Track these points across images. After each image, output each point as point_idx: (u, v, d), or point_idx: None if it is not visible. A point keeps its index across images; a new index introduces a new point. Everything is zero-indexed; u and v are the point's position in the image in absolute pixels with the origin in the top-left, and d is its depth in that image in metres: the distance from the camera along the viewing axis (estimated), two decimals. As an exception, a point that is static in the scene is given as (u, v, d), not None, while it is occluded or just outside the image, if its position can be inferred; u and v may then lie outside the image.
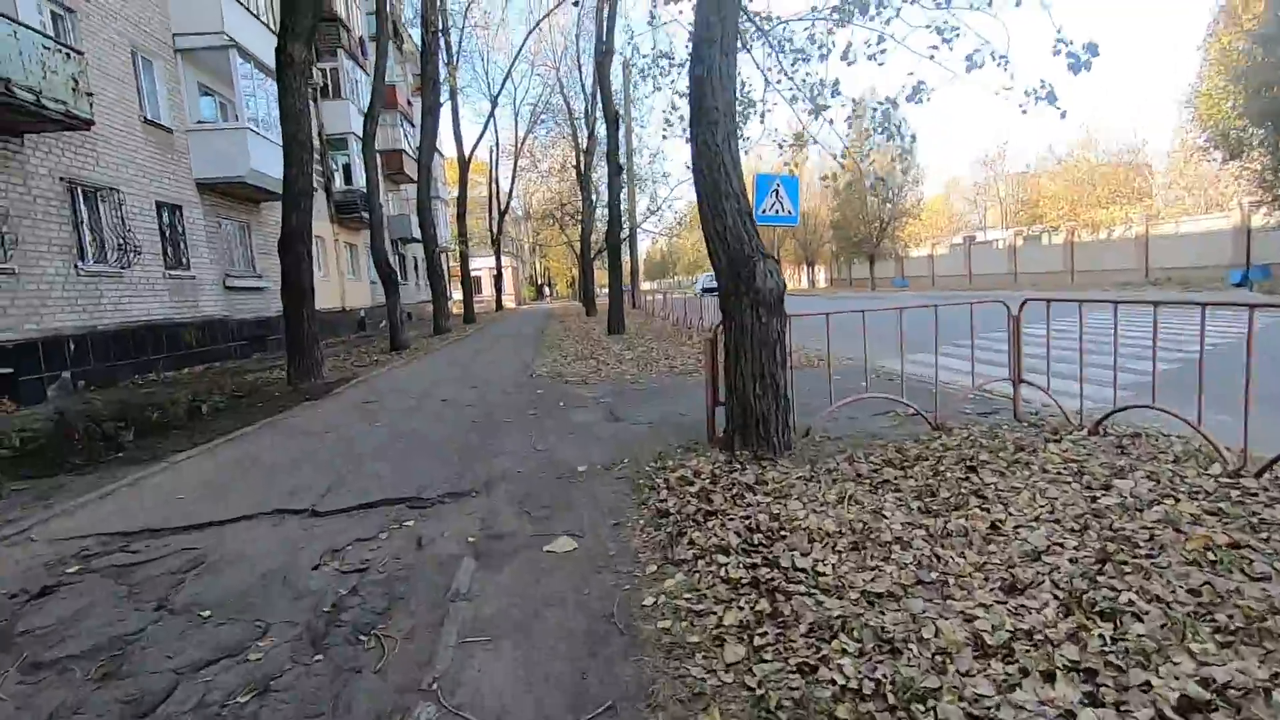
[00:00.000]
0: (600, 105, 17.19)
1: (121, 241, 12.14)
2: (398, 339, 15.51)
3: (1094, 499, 3.31)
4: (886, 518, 3.23)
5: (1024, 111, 5.86)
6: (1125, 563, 2.61)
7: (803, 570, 2.71)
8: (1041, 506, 3.25)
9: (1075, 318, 4.65)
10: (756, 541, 3.03)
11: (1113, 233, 30.87)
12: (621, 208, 18.08)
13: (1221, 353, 8.21)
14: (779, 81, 5.99)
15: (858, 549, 2.90)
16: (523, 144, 36.73)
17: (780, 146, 6.68)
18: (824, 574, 2.68)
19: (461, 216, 26.68)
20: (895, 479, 3.83)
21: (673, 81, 6.82)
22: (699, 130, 4.68)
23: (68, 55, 9.97)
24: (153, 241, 13.10)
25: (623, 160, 18.93)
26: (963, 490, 3.54)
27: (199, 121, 15.09)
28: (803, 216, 39.49)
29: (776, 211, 7.35)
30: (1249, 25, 15.81)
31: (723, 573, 2.78)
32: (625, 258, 21.52)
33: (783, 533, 3.09)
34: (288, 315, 10.12)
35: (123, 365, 11.81)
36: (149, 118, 13.30)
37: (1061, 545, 2.82)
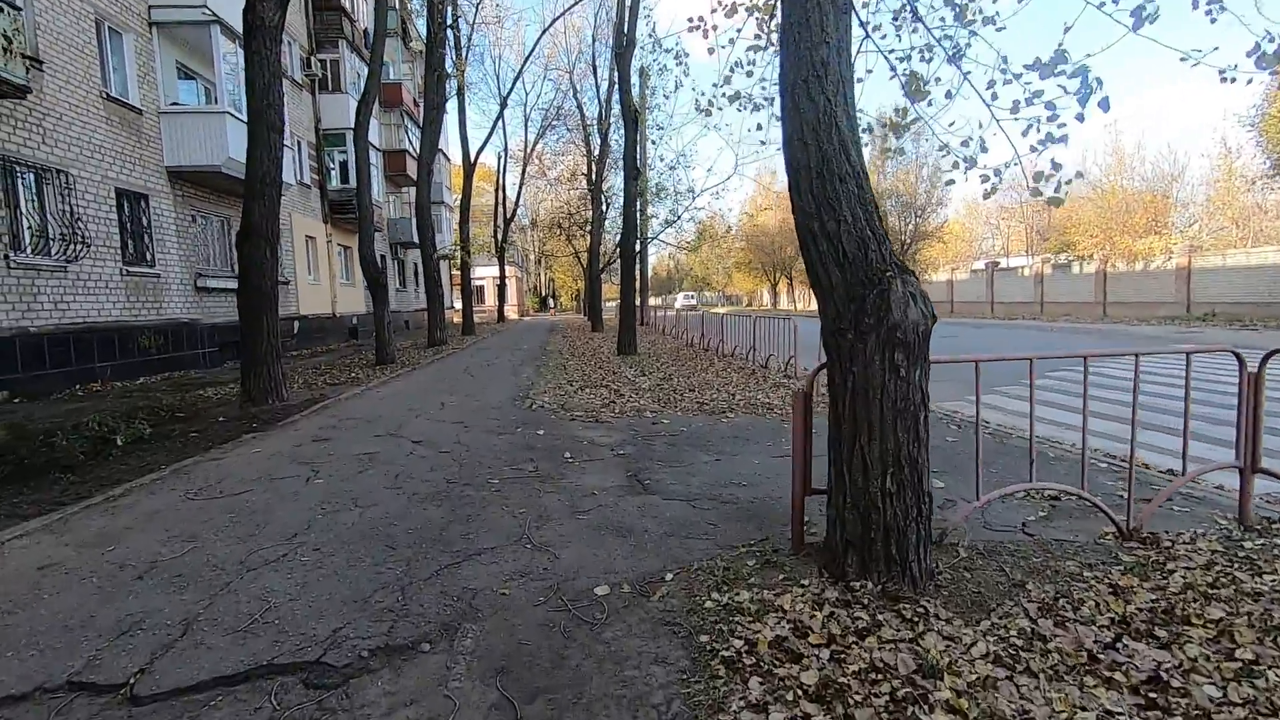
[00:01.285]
0: (619, 103, 15.63)
1: (67, 231, 10.56)
2: (384, 352, 13.85)
3: None
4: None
5: (1224, 80, 4.22)
6: None
7: None
8: None
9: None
10: None
11: (1150, 264, 29.18)
12: (637, 216, 16.50)
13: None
14: (883, 36, 4.37)
15: None
16: (532, 150, 35.26)
17: (870, 130, 5.07)
18: None
19: (465, 222, 25.10)
20: (1168, 673, 2.13)
21: (728, 44, 5.19)
22: (796, 79, 3.04)
23: (1, 9, 8.47)
24: (109, 233, 11.53)
25: (640, 166, 17.39)
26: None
27: (173, 103, 13.55)
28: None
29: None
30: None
31: None
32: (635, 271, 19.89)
33: None
34: (243, 323, 8.47)
35: (59, 374, 10.17)
36: (113, 95, 11.77)
37: None
